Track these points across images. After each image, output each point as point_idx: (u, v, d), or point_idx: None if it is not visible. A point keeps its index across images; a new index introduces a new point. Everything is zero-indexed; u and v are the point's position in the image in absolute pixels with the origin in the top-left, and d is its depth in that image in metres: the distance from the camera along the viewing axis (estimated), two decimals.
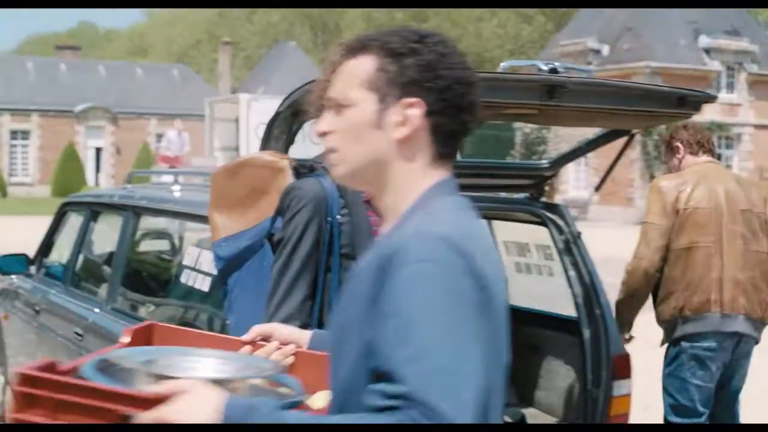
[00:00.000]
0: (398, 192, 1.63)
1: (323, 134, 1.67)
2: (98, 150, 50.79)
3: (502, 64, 3.24)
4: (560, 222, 4.33)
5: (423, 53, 1.61)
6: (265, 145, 3.45)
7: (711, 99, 3.54)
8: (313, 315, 2.79)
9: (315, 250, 2.80)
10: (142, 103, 52.11)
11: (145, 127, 51.54)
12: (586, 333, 4.28)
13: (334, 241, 2.81)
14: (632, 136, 3.99)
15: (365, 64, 1.64)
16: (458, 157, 1.75)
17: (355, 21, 65.33)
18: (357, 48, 1.67)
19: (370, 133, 1.62)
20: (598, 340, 4.23)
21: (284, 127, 3.36)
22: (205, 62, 69.09)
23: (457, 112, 1.63)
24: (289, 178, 3.02)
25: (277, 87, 42.56)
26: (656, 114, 3.54)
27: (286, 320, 2.65)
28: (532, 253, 4.65)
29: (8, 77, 50.05)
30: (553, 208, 4.36)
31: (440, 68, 1.61)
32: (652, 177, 31.03)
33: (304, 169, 3.02)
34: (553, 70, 3.25)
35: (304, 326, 2.54)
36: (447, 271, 1.45)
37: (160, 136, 51.16)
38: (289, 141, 3.39)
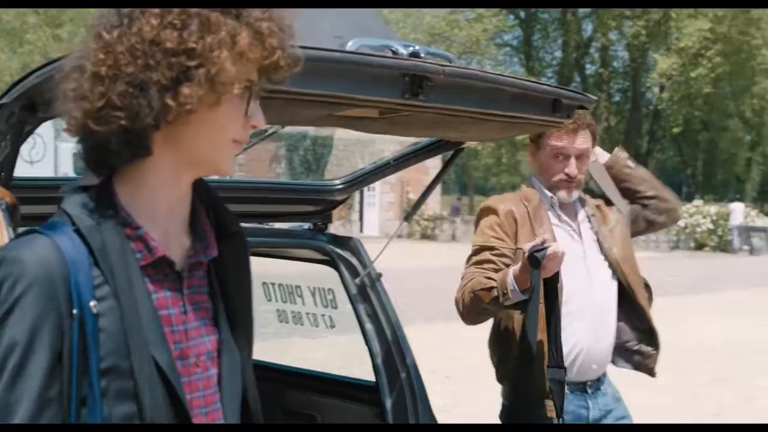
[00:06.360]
0: None
1: None
2: None
3: (350, 42, 2.14)
4: (354, 261, 3.31)
5: None
6: None
7: (588, 103, 2.67)
8: None
9: (54, 373, 1.37)
10: None
11: None
12: (388, 402, 3.32)
13: (89, 351, 1.40)
14: (461, 150, 3.05)
15: None
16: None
17: None
18: None
19: None
20: (404, 411, 3.30)
21: (7, 129, 2.01)
22: None
23: None
24: (2, 237, 1.64)
25: None
26: (524, 122, 2.60)
27: None
28: (304, 299, 3.56)
29: None
30: (345, 242, 3.33)
31: None
32: None
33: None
34: (414, 54, 2.23)
35: None
36: None
37: None
38: (15, 153, 2.04)
